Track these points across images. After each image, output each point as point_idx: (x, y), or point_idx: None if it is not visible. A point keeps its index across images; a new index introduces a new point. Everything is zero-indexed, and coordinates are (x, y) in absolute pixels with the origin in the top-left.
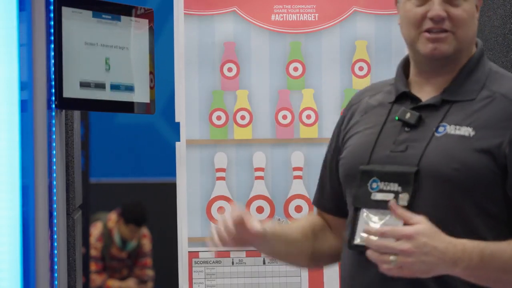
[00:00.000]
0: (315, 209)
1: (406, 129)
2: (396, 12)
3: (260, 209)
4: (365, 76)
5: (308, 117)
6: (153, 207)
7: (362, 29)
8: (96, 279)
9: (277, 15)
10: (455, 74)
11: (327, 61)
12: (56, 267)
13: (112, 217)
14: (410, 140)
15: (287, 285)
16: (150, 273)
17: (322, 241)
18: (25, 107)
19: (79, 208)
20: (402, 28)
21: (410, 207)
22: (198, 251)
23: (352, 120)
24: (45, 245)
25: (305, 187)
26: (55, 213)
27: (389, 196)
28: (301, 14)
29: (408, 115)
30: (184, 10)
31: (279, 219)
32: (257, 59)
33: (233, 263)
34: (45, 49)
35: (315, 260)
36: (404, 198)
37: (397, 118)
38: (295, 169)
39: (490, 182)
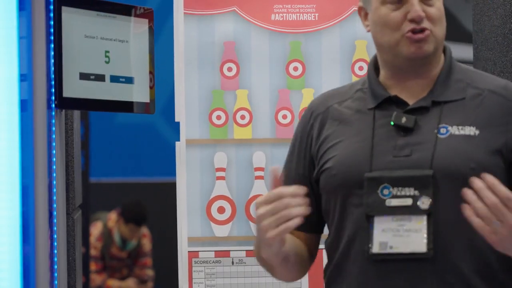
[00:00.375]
0: None
1: (402, 133)
2: None
3: None
4: (364, 75)
5: None
6: (153, 207)
7: (362, 29)
8: (96, 278)
9: (277, 14)
10: (435, 75)
11: (327, 60)
12: (56, 266)
13: (112, 216)
14: (412, 144)
15: (287, 285)
16: (150, 272)
17: (302, 254)
18: (25, 106)
19: (79, 208)
20: (377, 34)
21: (432, 210)
22: (198, 251)
23: (324, 131)
24: (45, 245)
25: None
26: (55, 213)
27: (407, 201)
28: (301, 14)
29: (404, 119)
30: (184, 9)
31: None
32: (257, 59)
33: (233, 263)
34: (45, 49)
35: (300, 272)
36: (426, 201)
37: (392, 123)
38: None
39: (501, 180)
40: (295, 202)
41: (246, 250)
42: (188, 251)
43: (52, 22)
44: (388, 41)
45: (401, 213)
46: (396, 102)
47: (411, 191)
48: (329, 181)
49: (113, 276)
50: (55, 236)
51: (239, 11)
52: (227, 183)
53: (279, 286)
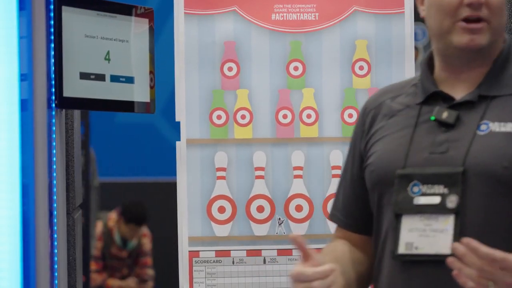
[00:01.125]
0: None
1: (443, 129)
2: (396, 11)
3: (260, 209)
4: (365, 75)
5: (308, 116)
6: (153, 207)
7: (362, 29)
8: (96, 278)
9: (277, 14)
10: (487, 68)
11: (327, 60)
12: (56, 266)
13: (113, 216)
14: (451, 141)
15: (288, 284)
16: (150, 272)
17: (360, 265)
18: (25, 106)
19: (79, 208)
20: (430, 19)
21: (459, 208)
22: (199, 251)
23: (374, 126)
24: (45, 245)
25: (305, 186)
26: (55, 213)
27: (435, 199)
28: (301, 14)
29: (445, 115)
30: (184, 9)
31: (279, 219)
32: (257, 59)
33: (233, 262)
34: (45, 48)
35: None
36: (453, 200)
37: (433, 118)
38: (296, 168)
39: None
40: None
41: (246, 250)
42: (189, 251)
43: (52, 22)
44: (440, 27)
45: (428, 212)
46: (443, 97)
47: (440, 188)
48: (368, 178)
49: (114, 275)
50: (55, 235)
51: (239, 11)
52: (227, 183)
53: (279, 285)
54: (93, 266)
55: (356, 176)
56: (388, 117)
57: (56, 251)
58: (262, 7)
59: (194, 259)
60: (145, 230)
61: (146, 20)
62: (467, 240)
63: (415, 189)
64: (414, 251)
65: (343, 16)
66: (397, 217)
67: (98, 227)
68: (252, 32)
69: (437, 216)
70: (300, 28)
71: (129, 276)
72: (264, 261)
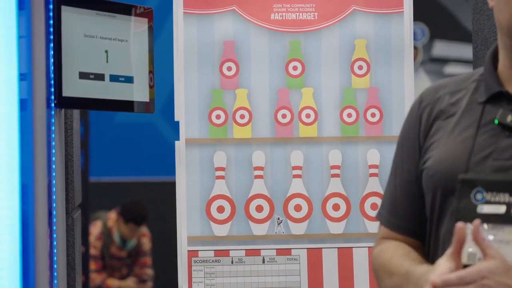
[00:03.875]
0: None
1: (508, 133)
2: (395, 11)
3: (259, 208)
4: (364, 75)
5: (308, 116)
6: (153, 206)
7: (362, 28)
8: (95, 278)
9: (276, 14)
10: None
11: (327, 60)
12: (55, 266)
13: (112, 216)
14: None
15: (287, 284)
16: (149, 272)
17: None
18: (25, 106)
19: (79, 207)
20: (498, 11)
21: None
22: (198, 250)
23: (433, 123)
24: (45, 244)
25: (304, 186)
26: (54, 212)
27: (500, 209)
28: (301, 13)
29: (509, 118)
30: (184, 9)
31: (278, 218)
32: (256, 58)
33: (232, 262)
34: (44, 48)
35: None
36: None
37: (496, 121)
38: (295, 168)
39: None
40: None
41: (245, 249)
42: (188, 250)
43: (51, 21)
44: (507, 19)
45: (493, 221)
46: (508, 97)
47: (506, 197)
48: (426, 181)
49: (113, 275)
50: (55, 235)
51: (238, 11)
52: (226, 183)
53: (278, 285)
54: (92, 265)
55: (410, 176)
56: (447, 115)
57: (55, 250)
58: (261, 7)
59: (193, 258)
60: (144, 230)
61: (146, 20)
62: (435, 281)
63: (479, 196)
64: (477, 262)
65: (342, 16)
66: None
67: (97, 227)
68: (251, 32)
69: (502, 227)
70: (299, 28)
71: (129, 276)
72: (263, 261)
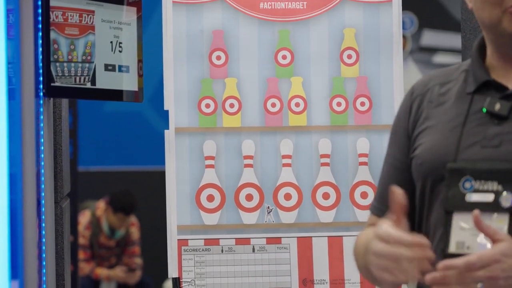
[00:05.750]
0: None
1: (496, 121)
2: (384, 0)
3: (249, 197)
4: (353, 64)
5: (297, 105)
6: (142, 196)
7: (350, 18)
8: (84, 267)
9: (265, 3)
10: None
11: (316, 49)
12: (44, 255)
13: (101, 205)
14: (504, 134)
15: (277, 273)
16: (138, 261)
17: None
18: (13, 95)
19: (67, 197)
20: (477, 10)
21: None
22: (188, 239)
23: (422, 113)
24: (33, 233)
25: (294, 175)
26: (43, 202)
27: (488, 197)
28: (290, 2)
29: (497, 106)
30: None
31: (268, 207)
32: (245, 47)
33: (222, 251)
34: (32, 37)
35: None
36: (508, 198)
37: (485, 110)
38: (284, 157)
39: None
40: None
41: (235, 238)
42: (178, 239)
43: (40, 10)
44: (489, 18)
45: (481, 210)
46: (496, 86)
47: (494, 185)
48: (415, 170)
49: (102, 264)
50: (43, 224)
51: (227, 0)
52: (216, 172)
53: (268, 274)
54: (81, 255)
55: (401, 164)
56: (436, 105)
57: (44, 240)
58: None
59: (183, 247)
60: (133, 219)
61: (135, 9)
62: (440, 265)
63: (467, 184)
64: (466, 251)
65: (331, 5)
66: (448, 214)
67: (86, 216)
68: (240, 21)
69: (491, 215)
70: (288, 17)
71: (117, 265)
72: (253, 250)
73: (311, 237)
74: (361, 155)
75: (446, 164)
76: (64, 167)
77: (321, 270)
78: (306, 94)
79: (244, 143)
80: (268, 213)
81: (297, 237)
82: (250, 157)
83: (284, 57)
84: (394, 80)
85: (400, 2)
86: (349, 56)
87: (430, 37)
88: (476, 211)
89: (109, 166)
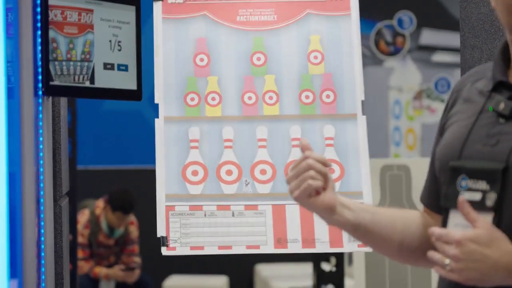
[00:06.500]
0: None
1: (501, 120)
2: (344, 13)
3: (229, 172)
4: (319, 63)
5: (270, 98)
6: (140, 194)
7: (315, 27)
8: (83, 266)
9: (241, 16)
10: None
11: (286, 52)
12: (43, 254)
13: (100, 204)
14: (503, 133)
15: (254, 233)
16: (137, 260)
17: (411, 235)
18: (12, 94)
19: (66, 195)
20: (499, 13)
21: (497, 208)
22: (174, 205)
23: (453, 109)
24: (32, 232)
25: (268, 155)
26: (42, 200)
27: (476, 196)
28: (262, 15)
29: (502, 106)
30: (163, 15)
31: (246, 180)
32: (225, 51)
33: (205, 215)
34: (31, 35)
35: (403, 252)
36: (491, 197)
37: (491, 109)
38: (260, 140)
39: None
40: (317, 164)
41: (217, 205)
42: (166, 205)
43: (39, 9)
44: (507, 22)
45: (472, 208)
46: (507, 86)
47: (483, 184)
48: (436, 165)
49: (101, 263)
50: (42, 223)
51: (209, 15)
52: (200, 152)
53: (246, 234)
54: (80, 254)
55: (434, 157)
56: (463, 102)
57: (43, 238)
58: (228, 12)
59: (170, 212)
60: (132, 218)
61: (134, 8)
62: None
63: (463, 183)
64: None
65: (299, 17)
66: (446, 211)
67: (85, 215)
68: (220, 31)
69: (478, 213)
70: (262, 27)
71: (116, 264)
72: (233, 214)
73: (285, 205)
74: (327, 138)
75: (451, 160)
76: (63, 166)
77: (293, 231)
78: (278, 89)
79: (224, 129)
80: (246, 185)
81: (272, 204)
82: (230, 140)
83: (258, 58)
84: (355, 76)
85: (358, 14)
86: (315, 57)
87: (428, 36)
88: (462, 196)
89: (108, 165)
